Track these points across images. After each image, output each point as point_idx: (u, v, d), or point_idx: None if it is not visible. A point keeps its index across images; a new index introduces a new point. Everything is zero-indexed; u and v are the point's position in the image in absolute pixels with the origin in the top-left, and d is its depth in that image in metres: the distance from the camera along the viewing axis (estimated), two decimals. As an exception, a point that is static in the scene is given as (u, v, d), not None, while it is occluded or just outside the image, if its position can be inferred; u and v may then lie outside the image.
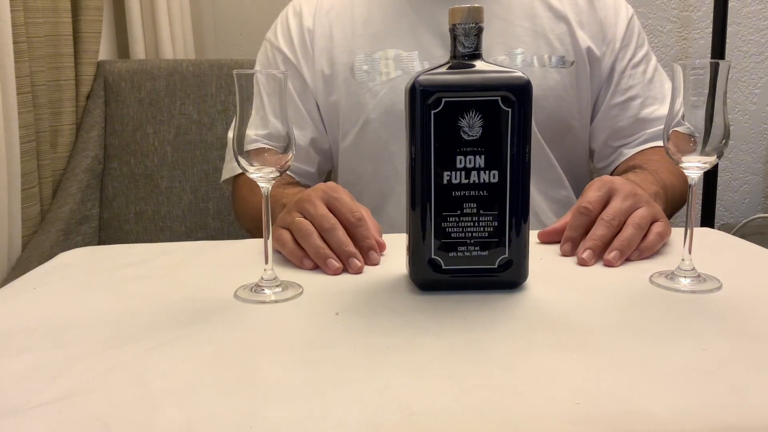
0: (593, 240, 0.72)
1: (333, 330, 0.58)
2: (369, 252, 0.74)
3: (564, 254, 0.75)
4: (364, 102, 1.02)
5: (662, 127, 1.00)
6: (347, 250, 0.72)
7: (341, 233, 0.72)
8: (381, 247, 0.76)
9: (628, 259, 0.73)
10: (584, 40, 1.02)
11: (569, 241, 0.75)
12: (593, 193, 0.75)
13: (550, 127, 1.02)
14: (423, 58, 1.01)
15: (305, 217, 0.74)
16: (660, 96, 1.05)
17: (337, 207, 0.74)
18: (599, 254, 0.72)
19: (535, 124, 1.00)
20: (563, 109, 1.03)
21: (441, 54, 0.99)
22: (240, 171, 1.03)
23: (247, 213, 1.04)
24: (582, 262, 0.72)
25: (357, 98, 1.03)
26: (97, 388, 0.48)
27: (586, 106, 1.05)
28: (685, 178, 0.98)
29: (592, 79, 1.04)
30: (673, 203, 0.96)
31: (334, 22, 1.05)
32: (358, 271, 0.71)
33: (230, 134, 1.08)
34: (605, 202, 0.75)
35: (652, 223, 0.75)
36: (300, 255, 0.73)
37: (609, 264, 0.71)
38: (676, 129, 0.65)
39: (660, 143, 1.01)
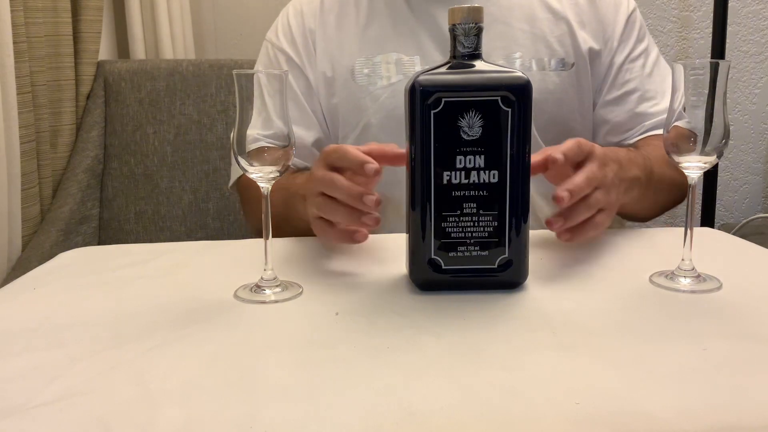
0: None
1: (333, 330, 0.58)
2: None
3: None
4: (365, 106, 1.02)
5: (661, 118, 1.00)
6: (355, 192, 0.69)
7: (341, 182, 0.70)
8: (399, 158, 0.72)
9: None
10: (585, 40, 1.02)
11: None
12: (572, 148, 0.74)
13: (551, 131, 1.02)
14: (424, 62, 1.00)
15: (320, 194, 0.73)
16: (660, 90, 1.03)
17: (338, 165, 0.73)
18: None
19: (535, 128, 1.00)
20: (564, 112, 1.02)
21: (442, 59, 0.98)
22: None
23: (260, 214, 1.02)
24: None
25: (357, 102, 1.02)
26: (97, 388, 0.48)
27: (588, 106, 1.05)
28: (679, 169, 0.97)
29: (594, 78, 1.04)
30: (658, 191, 0.93)
31: (336, 24, 1.05)
32: (377, 204, 0.69)
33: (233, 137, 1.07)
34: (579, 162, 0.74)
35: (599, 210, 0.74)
36: (348, 233, 0.72)
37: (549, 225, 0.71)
38: (676, 124, 0.65)
39: (659, 132, 1.00)
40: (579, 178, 0.71)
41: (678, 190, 0.98)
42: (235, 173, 1.08)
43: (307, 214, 0.81)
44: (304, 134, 1.04)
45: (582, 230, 0.73)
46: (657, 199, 0.94)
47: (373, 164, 0.69)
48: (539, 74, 1.00)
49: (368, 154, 0.71)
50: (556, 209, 1.06)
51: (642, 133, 1.03)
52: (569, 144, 0.72)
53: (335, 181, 0.70)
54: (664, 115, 0.99)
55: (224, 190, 1.12)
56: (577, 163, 0.74)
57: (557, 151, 0.72)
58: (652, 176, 0.89)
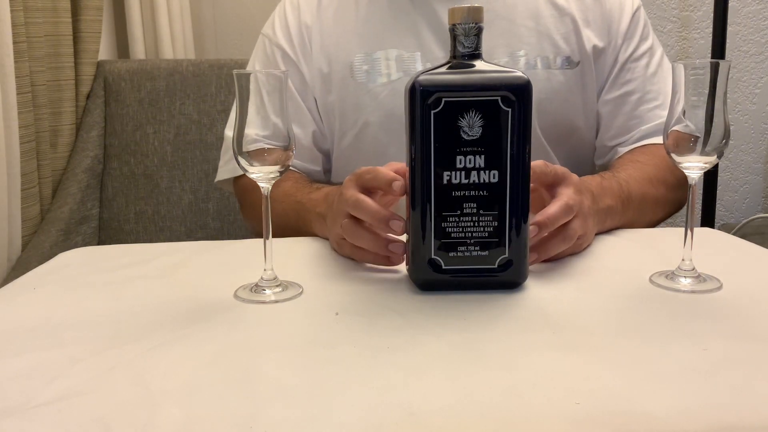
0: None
1: (333, 330, 0.58)
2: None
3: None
4: (364, 104, 1.00)
5: (657, 122, 1.00)
6: (383, 215, 0.68)
7: (370, 204, 0.69)
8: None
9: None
10: (589, 38, 1.01)
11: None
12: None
13: (555, 130, 1.01)
14: (425, 59, 0.99)
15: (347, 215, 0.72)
16: (663, 91, 1.02)
17: (370, 186, 0.71)
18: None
19: (538, 128, 0.99)
20: (569, 112, 1.01)
21: (443, 55, 0.97)
22: (241, 172, 1.01)
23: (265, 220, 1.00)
24: None
25: (356, 99, 1.01)
26: (97, 388, 0.48)
27: (592, 106, 1.03)
28: (669, 185, 0.97)
29: (597, 76, 1.03)
30: (640, 212, 0.91)
31: (333, 19, 1.03)
32: (403, 230, 0.67)
33: (228, 133, 1.05)
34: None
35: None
36: (383, 256, 0.71)
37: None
38: (675, 128, 0.64)
39: (653, 140, 1.00)
40: (553, 207, 0.69)
41: (663, 207, 0.96)
42: (223, 169, 1.06)
43: (326, 232, 0.81)
44: (301, 133, 1.02)
45: (554, 257, 0.72)
46: (640, 219, 0.91)
47: (400, 181, 0.68)
48: (545, 73, 0.98)
49: (396, 173, 0.70)
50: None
51: (638, 139, 1.01)
52: (536, 162, 0.70)
53: (363, 202, 0.69)
54: (659, 121, 1.00)
55: (224, 190, 1.12)
56: (551, 185, 0.72)
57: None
58: (630, 201, 0.87)
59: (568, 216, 0.70)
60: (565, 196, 0.70)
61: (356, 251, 0.73)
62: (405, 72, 0.99)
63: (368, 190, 0.71)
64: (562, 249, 0.71)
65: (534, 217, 0.67)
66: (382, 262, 0.72)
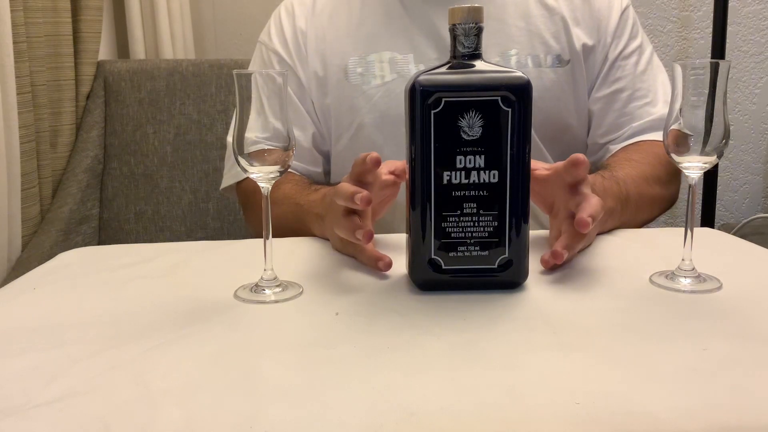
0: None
1: (333, 330, 0.58)
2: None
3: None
4: (358, 106, 1.01)
5: (648, 120, 1.00)
6: (350, 191, 0.68)
7: (344, 185, 0.70)
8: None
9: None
10: (579, 37, 1.02)
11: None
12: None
13: (548, 128, 1.01)
14: (418, 60, 1.00)
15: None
16: (653, 89, 1.03)
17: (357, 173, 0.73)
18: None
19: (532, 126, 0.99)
20: (561, 109, 1.02)
21: (436, 57, 0.98)
22: (244, 176, 1.01)
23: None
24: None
25: (351, 101, 1.02)
26: (97, 388, 0.48)
27: (584, 103, 1.05)
28: (663, 182, 0.97)
29: (588, 74, 1.04)
30: (637, 211, 0.91)
31: (327, 24, 1.05)
32: (366, 201, 0.68)
33: (230, 140, 1.06)
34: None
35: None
36: (374, 259, 0.71)
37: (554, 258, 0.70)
38: (673, 128, 0.65)
39: (645, 137, 1.00)
40: (596, 204, 0.69)
41: (659, 205, 0.97)
42: (228, 176, 1.07)
43: (325, 233, 0.81)
44: (301, 135, 1.04)
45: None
46: (636, 218, 0.91)
47: (374, 155, 0.68)
48: (535, 71, 1.00)
49: (394, 171, 0.71)
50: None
51: (629, 137, 1.02)
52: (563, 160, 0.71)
53: (339, 186, 0.70)
54: (650, 118, 1.01)
55: (230, 197, 1.12)
56: (570, 184, 0.72)
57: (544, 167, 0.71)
58: (628, 201, 0.88)
59: (602, 212, 0.70)
60: (592, 195, 0.70)
61: (355, 252, 0.73)
62: (399, 74, 1.00)
63: (362, 183, 0.72)
64: (584, 245, 0.72)
65: (585, 211, 0.67)
66: (373, 266, 0.72)
